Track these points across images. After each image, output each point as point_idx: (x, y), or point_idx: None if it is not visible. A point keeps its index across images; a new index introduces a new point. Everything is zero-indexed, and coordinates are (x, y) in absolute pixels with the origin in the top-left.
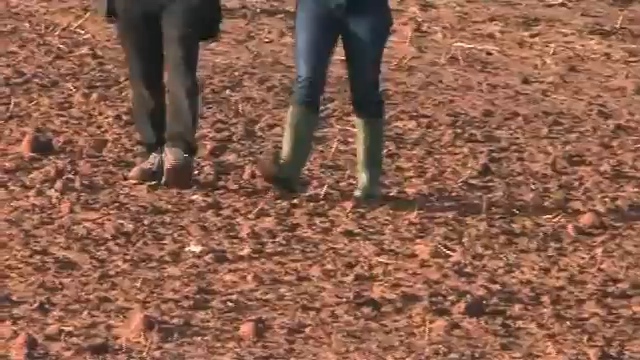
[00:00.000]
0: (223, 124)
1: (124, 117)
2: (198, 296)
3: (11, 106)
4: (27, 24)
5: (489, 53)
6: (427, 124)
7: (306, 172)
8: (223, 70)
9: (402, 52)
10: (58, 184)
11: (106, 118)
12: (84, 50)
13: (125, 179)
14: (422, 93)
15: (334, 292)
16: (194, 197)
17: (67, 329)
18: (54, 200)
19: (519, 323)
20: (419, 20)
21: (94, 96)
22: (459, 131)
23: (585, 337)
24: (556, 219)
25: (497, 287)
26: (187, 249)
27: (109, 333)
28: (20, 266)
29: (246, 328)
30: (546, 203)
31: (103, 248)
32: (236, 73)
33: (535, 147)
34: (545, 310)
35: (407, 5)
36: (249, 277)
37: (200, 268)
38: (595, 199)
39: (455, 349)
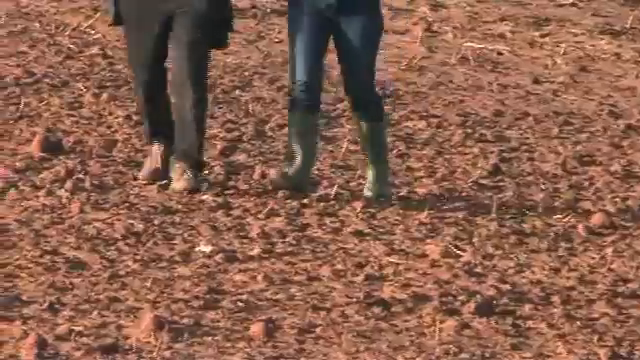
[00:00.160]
0: (233, 124)
1: (134, 117)
2: (208, 296)
3: (21, 106)
4: (37, 24)
5: (500, 53)
6: (437, 124)
7: (316, 172)
8: (233, 70)
9: (412, 52)
10: (68, 184)
11: (116, 118)
12: (94, 50)
13: (135, 179)
14: (432, 93)
15: (344, 292)
16: (204, 197)
17: (77, 329)
18: (64, 200)
19: (529, 323)
20: (429, 20)
21: (104, 96)
22: (469, 131)
23: (595, 337)
24: (566, 219)
25: (507, 287)
26: (197, 249)
27: (119, 333)
28: (30, 266)
29: (256, 328)
30: (556, 203)
31: (113, 248)
32: (246, 73)
33: (545, 147)
34: (555, 310)
35: (417, 5)
36: (259, 277)
37: (210, 268)
38: (605, 199)
39: (465, 349)
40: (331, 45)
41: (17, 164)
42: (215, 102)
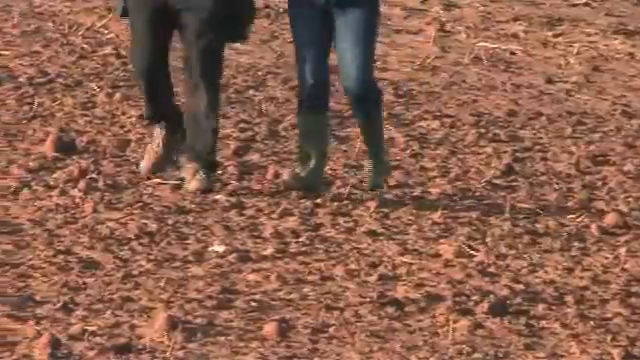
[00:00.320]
0: (246, 124)
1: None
2: (222, 296)
3: (35, 106)
4: (51, 24)
5: (513, 53)
6: (451, 124)
7: (329, 172)
8: (247, 70)
9: (426, 52)
10: (81, 184)
11: (129, 118)
12: (108, 50)
13: (148, 178)
14: (446, 93)
15: (358, 292)
16: (218, 197)
17: (91, 329)
18: (77, 200)
19: (543, 323)
20: (443, 20)
21: (117, 96)
22: (483, 131)
23: (609, 337)
24: (580, 219)
25: (521, 287)
26: (211, 249)
27: (133, 333)
28: (43, 266)
29: (269, 328)
30: (570, 203)
31: (127, 248)
32: (260, 73)
33: (559, 147)
34: (569, 310)
35: (431, 5)
36: (272, 277)
37: (224, 268)
38: (619, 199)
39: (479, 349)
40: None
41: (30, 164)
42: (228, 102)
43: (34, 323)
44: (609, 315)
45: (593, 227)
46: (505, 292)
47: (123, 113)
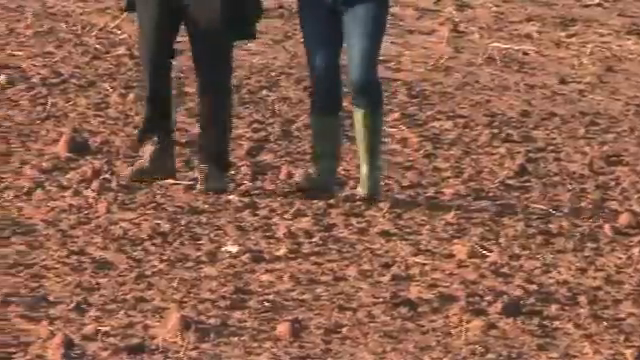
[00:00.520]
0: (260, 124)
1: None
2: (235, 296)
3: (48, 106)
4: (64, 24)
5: (526, 53)
6: (464, 124)
7: (342, 172)
8: (260, 70)
9: (439, 52)
10: (95, 184)
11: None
12: (121, 50)
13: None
14: (459, 93)
15: (371, 292)
16: (231, 197)
17: (104, 329)
18: (91, 200)
19: (556, 323)
20: (456, 20)
21: (131, 96)
22: (496, 131)
23: (622, 337)
24: (593, 219)
25: (534, 287)
26: (224, 249)
27: (146, 333)
28: (57, 266)
29: (283, 328)
30: (583, 203)
31: (140, 248)
32: (273, 73)
33: (572, 147)
34: (582, 310)
35: (444, 5)
36: (286, 277)
37: (237, 268)
38: (632, 199)
39: (492, 349)
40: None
41: (44, 164)
42: (241, 102)
43: (47, 323)
44: (622, 315)
45: (606, 227)
46: (518, 292)
47: (136, 114)
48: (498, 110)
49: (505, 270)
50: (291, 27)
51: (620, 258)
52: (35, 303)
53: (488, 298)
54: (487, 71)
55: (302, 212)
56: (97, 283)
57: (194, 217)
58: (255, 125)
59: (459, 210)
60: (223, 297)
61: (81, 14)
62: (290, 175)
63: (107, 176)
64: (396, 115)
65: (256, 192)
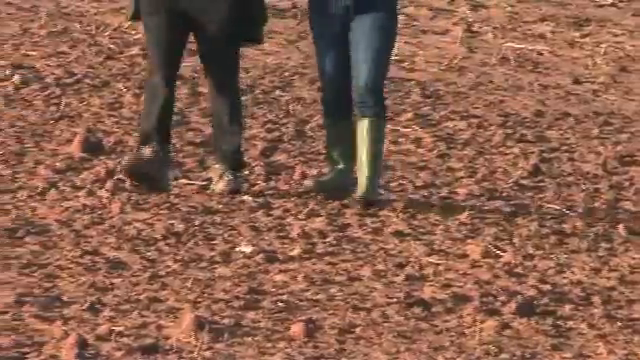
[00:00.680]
0: (274, 124)
1: (174, 117)
2: (249, 296)
3: (62, 106)
4: (78, 24)
5: (540, 53)
6: (478, 124)
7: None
8: (274, 70)
9: (453, 52)
10: (109, 184)
11: None
12: (135, 50)
13: (176, 179)
14: (473, 93)
15: (385, 292)
16: (245, 197)
17: (118, 329)
18: (105, 200)
19: (570, 323)
20: (470, 20)
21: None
22: (510, 131)
23: (636, 337)
24: (607, 219)
25: (548, 287)
26: (238, 249)
27: (160, 333)
28: (71, 266)
29: (297, 328)
30: (597, 203)
31: (153, 248)
32: (286, 73)
33: (586, 147)
34: (596, 310)
35: (458, 5)
36: (300, 277)
37: (251, 268)
38: None
39: (506, 349)
40: None
41: (58, 164)
42: (255, 102)
43: (61, 323)
44: (636, 315)
45: (620, 227)
46: (532, 292)
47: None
48: (512, 110)
49: (519, 270)
50: (305, 27)
51: (634, 258)
52: (49, 303)
53: (502, 298)
54: (501, 71)
55: (316, 212)
56: (111, 283)
57: (208, 217)
58: (269, 125)
59: (473, 210)
60: (237, 297)
61: (95, 14)
62: (304, 175)
63: (121, 176)
64: (410, 115)
65: (270, 192)
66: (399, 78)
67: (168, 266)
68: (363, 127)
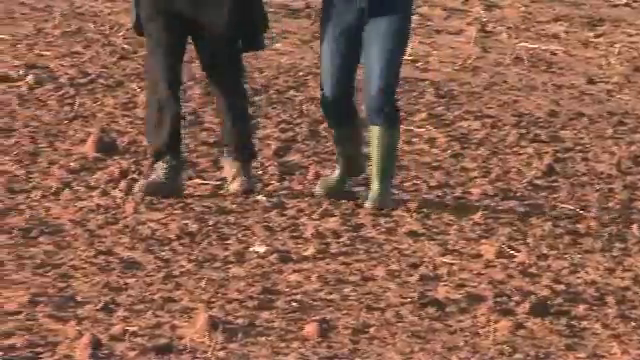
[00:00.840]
0: (287, 124)
1: (188, 117)
2: (262, 296)
3: (76, 106)
4: (92, 24)
5: (554, 53)
6: (492, 124)
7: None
8: (287, 70)
9: (467, 52)
10: (122, 184)
11: None
12: None
13: (190, 179)
14: (487, 93)
15: (398, 292)
16: (259, 197)
17: (131, 329)
18: (118, 200)
19: (584, 323)
20: (484, 20)
21: None
22: (524, 131)
23: None
24: (621, 219)
25: (562, 287)
26: (252, 249)
27: (173, 333)
28: (85, 266)
29: (310, 328)
30: (611, 203)
31: (167, 248)
32: (300, 73)
33: (600, 147)
34: (610, 310)
35: (472, 5)
36: (313, 277)
37: (265, 268)
38: None
39: (520, 349)
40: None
41: (71, 164)
42: (269, 102)
43: (75, 323)
44: None
45: (634, 227)
46: (546, 292)
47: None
48: (526, 110)
49: (533, 270)
50: (319, 27)
51: None
52: (63, 303)
53: (516, 298)
54: (515, 71)
55: (330, 212)
56: (125, 283)
57: (222, 217)
58: (283, 125)
59: (487, 210)
60: (251, 297)
61: (109, 14)
62: (318, 175)
63: (135, 176)
64: (423, 115)
65: (284, 192)
66: (413, 78)
67: (182, 266)
68: (376, 135)
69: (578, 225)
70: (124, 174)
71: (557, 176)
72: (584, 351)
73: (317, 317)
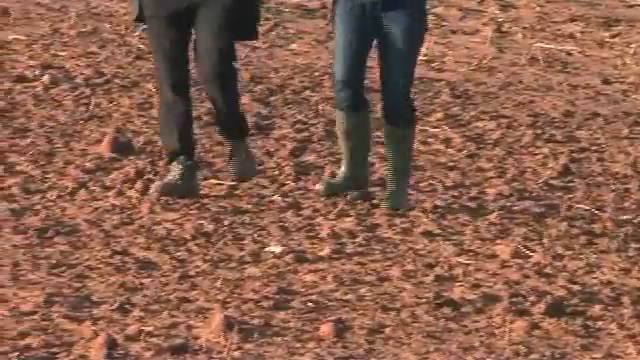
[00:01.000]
0: (303, 124)
1: (204, 117)
2: (278, 296)
3: (91, 106)
4: (107, 24)
5: (569, 53)
6: (507, 124)
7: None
8: (303, 70)
9: (482, 52)
10: (138, 184)
11: None
12: None
13: (205, 179)
14: (502, 93)
15: (414, 292)
16: (274, 197)
17: (147, 329)
18: (134, 200)
19: (599, 324)
20: (499, 20)
21: None
22: (539, 131)
23: None
24: (637, 219)
25: (577, 287)
26: (267, 249)
27: (189, 333)
28: (100, 266)
29: (326, 328)
30: (626, 203)
31: (183, 248)
32: (316, 73)
33: (615, 147)
34: (626, 310)
35: (487, 5)
36: (329, 277)
37: (280, 268)
38: None
39: (535, 350)
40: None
41: (87, 164)
42: (285, 103)
43: (91, 323)
44: None
45: None
46: (562, 293)
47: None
48: (541, 110)
49: (548, 270)
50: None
51: None
52: (78, 303)
53: (531, 298)
54: (530, 71)
55: (345, 212)
56: (140, 283)
57: (237, 217)
58: (298, 125)
59: (502, 210)
60: (266, 297)
61: (124, 14)
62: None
63: (150, 176)
64: (439, 115)
65: (299, 192)
66: (429, 78)
67: (197, 266)
68: (392, 135)
69: (594, 225)
70: (140, 174)
71: (573, 176)
72: (600, 351)
73: (333, 317)
